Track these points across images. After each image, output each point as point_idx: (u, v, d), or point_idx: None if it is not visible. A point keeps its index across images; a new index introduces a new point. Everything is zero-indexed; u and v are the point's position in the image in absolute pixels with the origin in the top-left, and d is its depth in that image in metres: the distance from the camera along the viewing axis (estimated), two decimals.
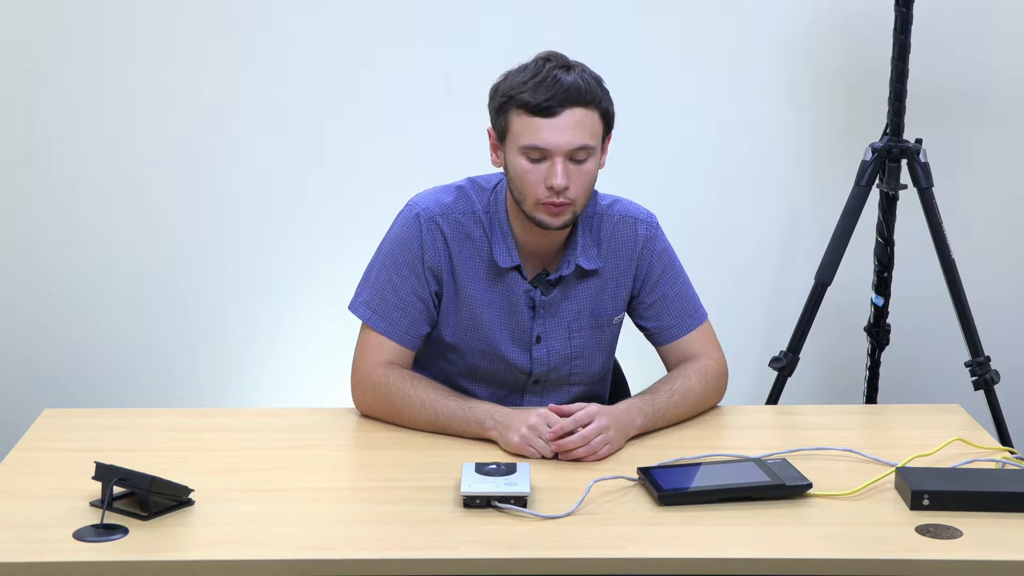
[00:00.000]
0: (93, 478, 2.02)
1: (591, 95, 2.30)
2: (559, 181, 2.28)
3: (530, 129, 2.29)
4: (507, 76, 2.35)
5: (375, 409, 2.43)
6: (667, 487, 2.08)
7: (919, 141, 3.23)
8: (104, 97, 3.56)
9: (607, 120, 2.35)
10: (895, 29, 3.18)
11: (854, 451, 2.27)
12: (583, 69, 2.33)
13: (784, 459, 2.19)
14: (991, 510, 2.05)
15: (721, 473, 2.15)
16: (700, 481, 2.11)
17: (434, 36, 3.54)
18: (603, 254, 2.48)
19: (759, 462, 2.17)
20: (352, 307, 2.49)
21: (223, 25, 3.53)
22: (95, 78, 3.55)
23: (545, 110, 2.27)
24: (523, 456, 2.23)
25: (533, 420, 2.24)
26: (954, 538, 1.97)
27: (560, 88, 2.27)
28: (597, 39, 3.51)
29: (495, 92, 2.36)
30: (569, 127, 2.28)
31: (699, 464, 2.21)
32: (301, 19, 3.53)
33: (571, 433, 2.23)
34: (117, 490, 2.01)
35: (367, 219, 3.59)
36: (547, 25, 3.49)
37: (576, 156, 2.30)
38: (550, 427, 2.23)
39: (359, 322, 2.48)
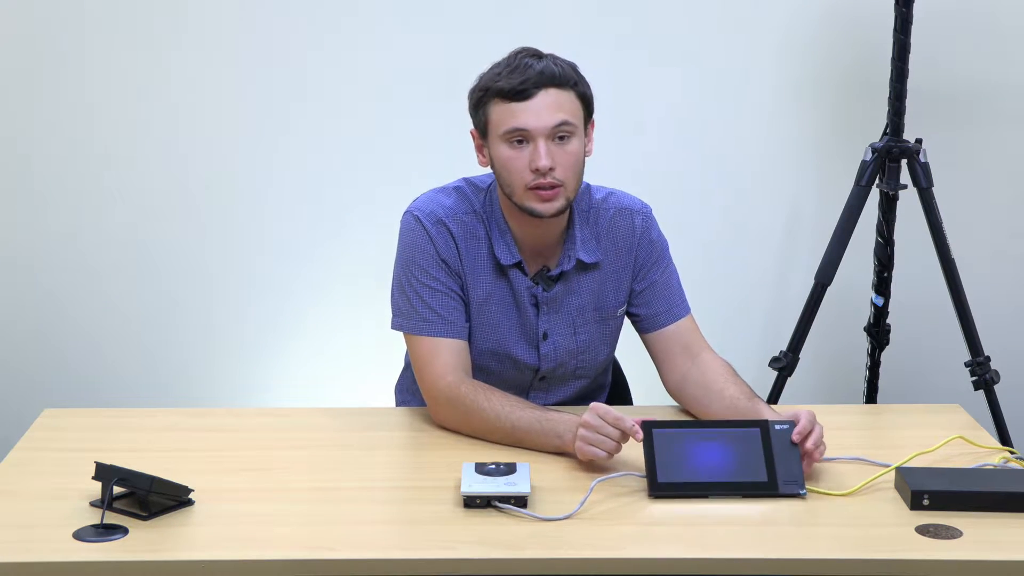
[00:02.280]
0: (93, 478, 2.03)
1: (565, 77, 2.33)
2: (543, 161, 2.29)
3: (508, 114, 2.31)
4: (480, 76, 2.38)
5: (450, 422, 2.40)
6: (661, 478, 2.09)
7: (919, 141, 3.23)
8: (104, 99, 3.56)
9: (586, 104, 2.36)
10: (895, 29, 3.18)
11: (862, 458, 2.26)
12: (555, 57, 2.36)
13: (791, 423, 2.16)
14: (991, 510, 2.05)
15: (719, 457, 2.13)
16: (696, 473, 2.11)
17: (435, 36, 3.54)
18: (602, 247, 2.49)
19: (764, 428, 2.15)
20: (395, 326, 2.47)
21: (222, 25, 3.53)
22: (92, 80, 3.54)
23: (520, 93, 2.30)
24: (587, 460, 2.19)
25: (586, 417, 2.19)
26: (954, 538, 1.97)
27: (533, 71, 2.30)
28: (597, 38, 3.52)
29: (472, 92, 2.38)
30: (546, 106, 2.30)
31: (700, 430, 2.22)
32: (305, 19, 3.53)
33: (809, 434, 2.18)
34: (117, 490, 2.01)
35: (369, 220, 3.61)
36: (547, 24, 3.49)
37: (558, 134, 2.31)
38: (602, 417, 2.18)
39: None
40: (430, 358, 2.41)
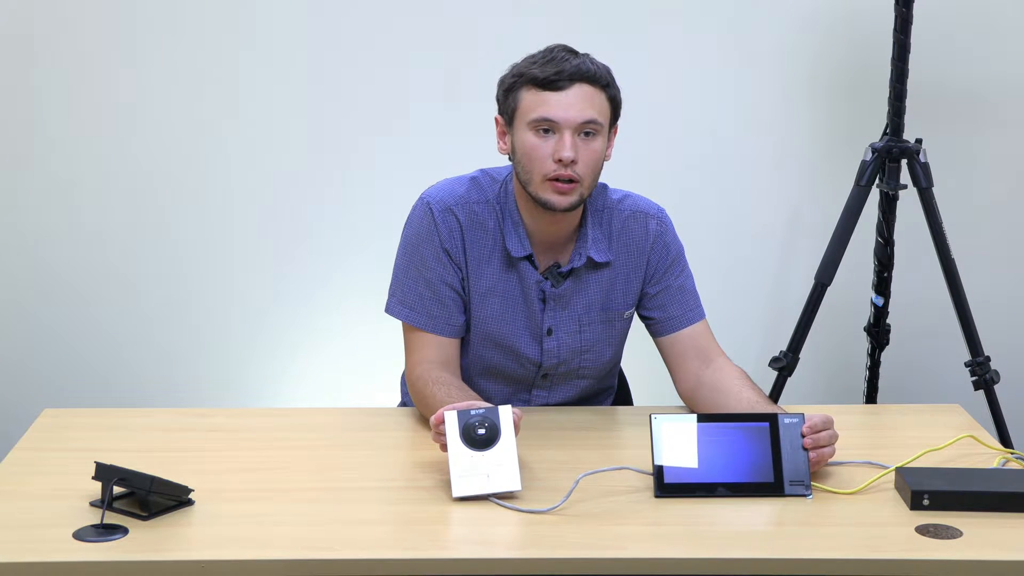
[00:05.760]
0: (93, 478, 2.03)
1: (600, 77, 2.35)
2: (567, 152, 2.30)
3: (539, 102, 2.32)
4: (514, 64, 2.40)
5: (418, 408, 2.45)
6: (668, 479, 2.09)
7: (919, 141, 3.23)
8: (107, 95, 3.56)
9: (614, 106, 2.38)
10: (895, 29, 3.18)
11: (870, 462, 2.26)
12: (591, 57, 2.38)
13: (800, 416, 2.15)
14: (991, 510, 2.05)
15: (726, 456, 2.12)
16: (703, 473, 2.11)
17: (437, 36, 3.55)
18: (614, 248, 2.49)
19: (773, 423, 2.14)
20: (388, 309, 2.51)
21: (228, 26, 3.53)
22: (97, 77, 3.55)
23: (554, 84, 2.32)
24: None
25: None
26: (954, 538, 1.97)
27: (570, 65, 2.33)
28: (596, 38, 3.46)
29: (504, 78, 2.40)
30: (578, 100, 2.32)
31: (709, 427, 2.15)
32: (309, 20, 3.53)
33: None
34: (117, 490, 2.01)
35: (371, 219, 3.61)
36: (547, 25, 3.49)
37: (584, 130, 2.33)
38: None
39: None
40: (410, 347, 2.48)
